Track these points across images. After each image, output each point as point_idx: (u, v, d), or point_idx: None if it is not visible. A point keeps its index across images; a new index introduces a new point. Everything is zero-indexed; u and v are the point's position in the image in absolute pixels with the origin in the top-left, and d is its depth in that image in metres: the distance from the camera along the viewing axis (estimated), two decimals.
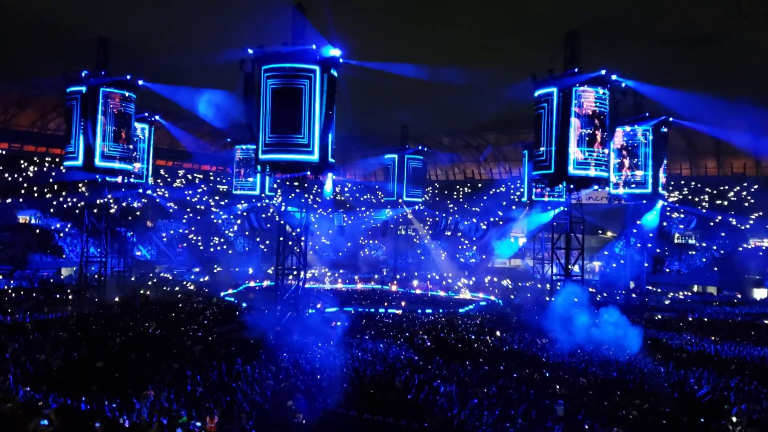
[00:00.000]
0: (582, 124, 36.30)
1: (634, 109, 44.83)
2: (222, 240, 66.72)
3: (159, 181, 64.97)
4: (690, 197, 63.67)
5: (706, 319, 40.59)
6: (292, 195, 36.52)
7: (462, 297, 51.82)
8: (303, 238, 35.99)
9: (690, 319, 40.91)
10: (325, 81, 32.85)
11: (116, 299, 40.07)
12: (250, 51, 33.01)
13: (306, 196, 36.35)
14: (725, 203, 61.29)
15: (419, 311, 41.19)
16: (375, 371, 21.87)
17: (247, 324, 30.46)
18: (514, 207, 62.51)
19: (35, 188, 57.02)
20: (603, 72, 36.45)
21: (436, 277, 60.12)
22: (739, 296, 53.72)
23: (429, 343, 28.71)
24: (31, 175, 59.69)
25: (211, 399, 16.96)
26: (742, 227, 57.29)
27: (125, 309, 36.55)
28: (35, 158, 63.23)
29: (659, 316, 41.51)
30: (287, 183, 36.81)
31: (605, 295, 47.63)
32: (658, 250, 52.41)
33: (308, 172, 34.85)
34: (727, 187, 63.19)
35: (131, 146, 41.40)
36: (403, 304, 44.62)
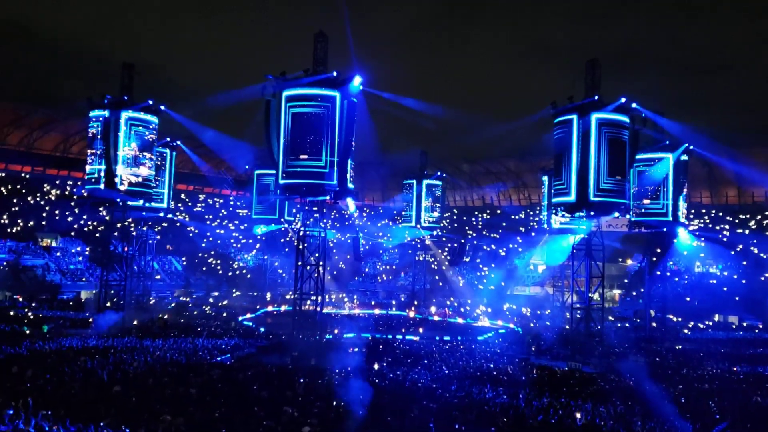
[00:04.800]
0: (602, 151, 36.05)
1: (653, 137, 44.49)
2: (241, 264, 66.92)
3: (179, 205, 65.51)
4: (710, 225, 62.74)
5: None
6: (311, 220, 36.61)
7: (481, 324, 51.31)
8: (321, 263, 35.98)
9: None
10: (345, 107, 33.17)
11: (134, 323, 40.13)
12: (271, 78, 33.46)
13: (324, 221, 36.42)
14: (746, 232, 60.27)
15: (437, 338, 40.81)
16: (392, 398, 21.60)
17: (265, 349, 30.38)
18: (533, 234, 62.09)
19: (57, 211, 57.66)
20: (623, 100, 36.29)
21: (455, 304, 59.63)
22: (761, 326, 52.51)
23: (447, 371, 28.37)
24: (53, 198, 60.34)
25: (228, 424, 16.81)
26: (765, 256, 56.18)
27: (144, 333, 36.61)
28: (57, 182, 63.91)
29: (679, 347, 40.70)
30: (306, 208, 36.98)
31: (627, 325, 46.91)
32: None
33: (327, 197, 35.04)
34: (748, 216, 62.21)
35: (152, 171, 41.82)
36: (420, 330, 44.25)
